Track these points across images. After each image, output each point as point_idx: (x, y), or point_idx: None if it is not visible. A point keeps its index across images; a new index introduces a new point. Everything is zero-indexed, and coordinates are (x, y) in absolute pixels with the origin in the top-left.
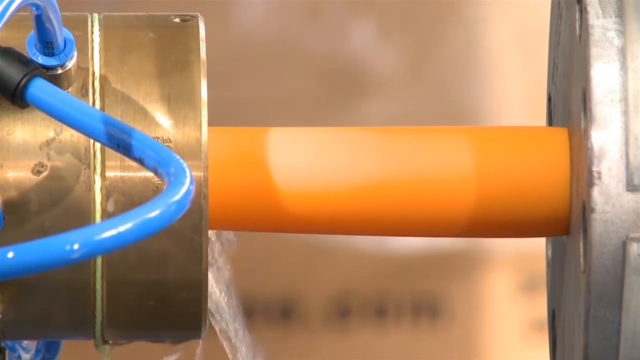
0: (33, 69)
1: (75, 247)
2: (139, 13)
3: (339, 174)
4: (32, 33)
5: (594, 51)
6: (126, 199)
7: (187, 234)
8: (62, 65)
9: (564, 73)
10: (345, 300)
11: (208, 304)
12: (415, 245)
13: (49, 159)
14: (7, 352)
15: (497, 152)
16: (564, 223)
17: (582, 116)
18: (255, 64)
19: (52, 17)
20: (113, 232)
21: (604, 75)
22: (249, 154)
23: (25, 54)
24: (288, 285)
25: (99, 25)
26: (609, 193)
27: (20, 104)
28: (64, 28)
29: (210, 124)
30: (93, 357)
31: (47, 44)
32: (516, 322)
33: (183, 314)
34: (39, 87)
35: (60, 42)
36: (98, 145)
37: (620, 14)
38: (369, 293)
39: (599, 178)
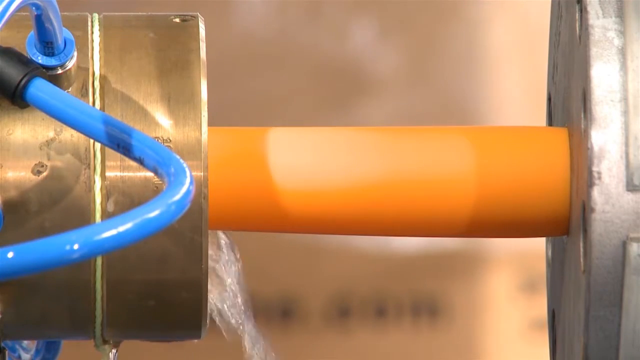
0: (33, 69)
1: (75, 247)
2: (139, 13)
3: (339, 174)
4: (32, 33)
5: (594, 51)
6: (126, 199)
7: (187, 234)
8: (62, 65)
9: (564, 73)
10: (345, 300)
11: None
12: (415, 245)
13: (49, 159)
14: (7, 352)
15: (497, 152)
16: (564, 223)
17: (582, 116)
18: (255, 63)
19: (52, 17)
20: (113, 232)
21: (604, 75)
22: (249, 154)
23: (25, 54)
24: (288, 285)
25: (99, 25)
26: (609, 193)
27: (20, 104)
28: (64, 28)
29: (210, 124)
30: (93, 357)
31: (47, 44)
32: (516, 322)
33: (183, 314)
34: (39, 87)
35: (60, 42)
36: (98, 145)
37: (620, 14)
38: (369, 293)
39: (599, 178)
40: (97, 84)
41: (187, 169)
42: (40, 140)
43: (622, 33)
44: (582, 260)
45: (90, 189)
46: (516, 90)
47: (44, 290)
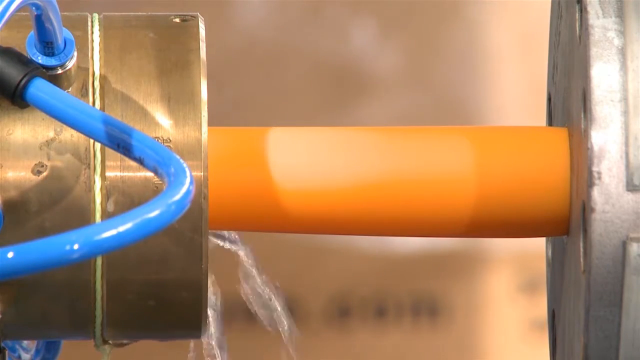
0: (33, 69)
1: (75, 247)
2: (139, 13)
3: (339, 174)
4: (32, 33)
5: (594, 51)
6: (126, 199)
7: (187, 234)
8: (62, 65)
9: (564, 73)
10: (345, 300)
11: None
12: (415, 245)
13: (49, 159)
14: (7, 352)
15: (497, 152)
16: (564, 223)
17: (582, 116)
18: (255, 64)
19: (52, 17)
20: (113, 232)
21: (604, 75)
22: (249, 154)
23: (25, 54)
24: (288, 285)
25: (99, 25)
26: (609, 193)
27: (20, 104)
28: (64, 28)
29: (210, 124)
30: (93, 357)
31: (47, 44)
32: (516, 322)
33: (183, 314)
34: (39, 87)
35: (60, 42)
36: (98, 145)
37: (620, 14)
38: (369, 293)
39: (599, 178)
40: (97, 84)
41: (187, 169)
42: (40, 140)
43: (622, 33)
44: (582, 260)
45: (90, 189)
46: (516, 90)
47: (44, 290)
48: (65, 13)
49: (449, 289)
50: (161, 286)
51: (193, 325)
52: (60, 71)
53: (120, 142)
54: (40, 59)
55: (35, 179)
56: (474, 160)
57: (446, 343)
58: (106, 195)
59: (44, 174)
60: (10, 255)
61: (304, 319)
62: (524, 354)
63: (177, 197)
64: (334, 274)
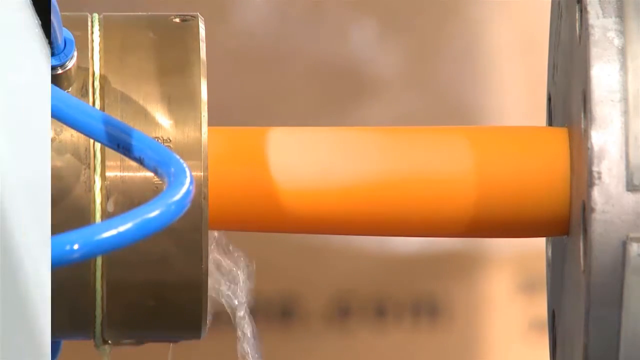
0: None
1: (75, 247)
2: (139, 13)
3: (339, 174)
4: None
5: (594, 51)
6: (126, 199)
7: (187, 234)
8: (62, 65)
9: (564, 73)
10: (345, 300)
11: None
12: (415, 245)
13: None
14: None
15: (497, 152)
16: (564, 223)
17: (582, 116)
18: (255, 64)
19: (52, 17)
20: (113, 232)
21: (604, 75)
22: (249, 154)
23: None
24: (288, 285)
25: (99, 25)
26: (609, 193)
27: None
28: (64, 28)
29: (210, 124)
30: (93, 357)
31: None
32: (516, 322)
33: (183, 314)
34: None
35: (60, 42)
36: (98, 145)
37: (620, 14)
38: (369, 293)
39: (599, 178)
40: (97, 84)
41: (187, 169)
42: None
43: (622, 33)
44: (582, 260)
45: (90, 189)
46: (516, 90)
47: None
48: (65, 13)
49: (449, 289)
50: (161, 286)
51: (193, 325)
52: (60, 71)
53: (120, 142)
54: None
55: None
56: (474, 160)
57: (446, 343)
58: (106, 196)
59: None
60: None
61: (304, 319)
62: (524, 354)
63: (177, 197)
64: (334, 274)
